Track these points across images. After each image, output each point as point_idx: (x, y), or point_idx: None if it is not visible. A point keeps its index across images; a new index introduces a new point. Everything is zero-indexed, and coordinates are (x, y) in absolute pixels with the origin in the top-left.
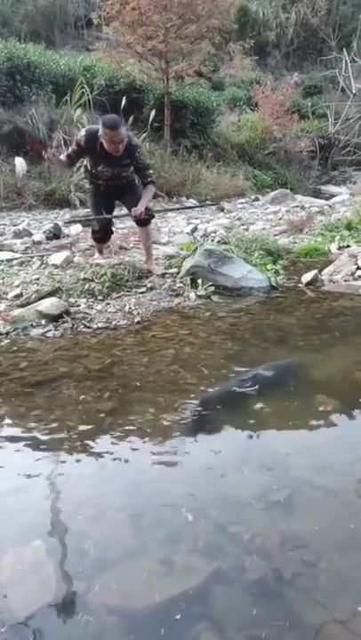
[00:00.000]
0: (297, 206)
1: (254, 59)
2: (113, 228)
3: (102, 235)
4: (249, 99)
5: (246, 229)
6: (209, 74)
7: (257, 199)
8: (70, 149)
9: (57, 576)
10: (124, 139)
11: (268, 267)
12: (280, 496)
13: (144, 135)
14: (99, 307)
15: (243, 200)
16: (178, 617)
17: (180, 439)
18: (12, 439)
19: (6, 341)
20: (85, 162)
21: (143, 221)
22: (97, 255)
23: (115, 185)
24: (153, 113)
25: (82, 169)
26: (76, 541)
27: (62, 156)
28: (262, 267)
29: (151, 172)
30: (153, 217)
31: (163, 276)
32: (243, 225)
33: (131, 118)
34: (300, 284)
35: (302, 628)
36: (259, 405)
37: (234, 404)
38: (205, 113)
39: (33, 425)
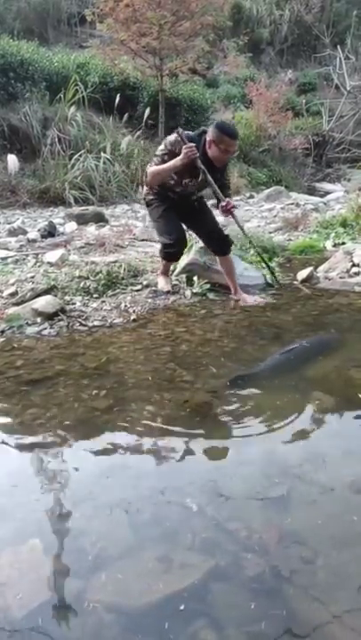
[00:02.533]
0: (292, 204)
1: (248, 56)
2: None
3: (178, 249)
4: (243, 96)
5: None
6: (203, 71)
7: (252, 197)
8: (159, 158)
9: (54, 574)
10: None
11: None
12: (278, 492)
13: (138, 133)
14: (94, 305)
15: (237, 198)
16: (176, 614)
17: (176, 436)
18: (8, 437)
19: (1, 340)
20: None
21: (225, 248)
22: (162, 280)
23: (187, 204)
24: (147, 110)
25: (76, 166)
26: (73, 540)
27: (153, 169)
28: (258, 264)
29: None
30: (231, 243)
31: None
32: None
33: (125, 116)
34: (295, 282)
35: (300, 625)
36: (252, 402)
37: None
38: (200, 110)
39: (29, 423)
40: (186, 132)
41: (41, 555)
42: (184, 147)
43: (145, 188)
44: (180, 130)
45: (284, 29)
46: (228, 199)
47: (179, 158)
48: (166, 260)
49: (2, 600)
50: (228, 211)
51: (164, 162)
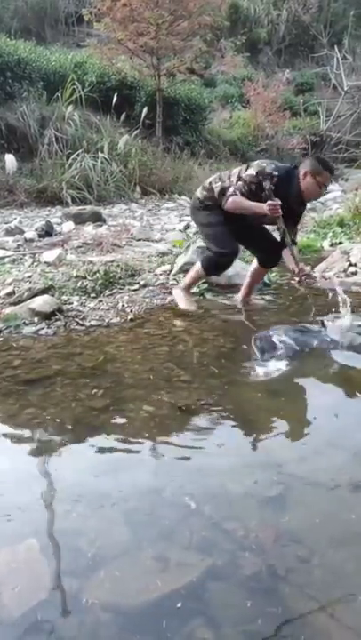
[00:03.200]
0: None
1: (246, 56)
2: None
3: (231, 258)
4: (241, 96)
5: None
6: (201, 71)
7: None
8: (246, 186)
9: (51, 574)
10: None
11: None
12: (274, 491)
13: (136, 132)
14: (92, 304)
15: None
16: (173, 613)
17: (174, 436)
18: (5, 437)
19: None
20: (234, 191)
21: (274, 264)
22: (185, 298)
23: (248, 224)
24: (145, 110)
25: (74, 165)
26: (70, 539)
27: (238, 201)
28: None
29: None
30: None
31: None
32: None
33: (123, 115)
34: (293, 281)
35: (297, 623)
36: (250, 398)
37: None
38: (197, 110)
39: (26, 423)
40: (279, 165)
41: (38, 554)
42: (268, 203)
43: (205, 192)
44: (273, 167)
45: (282, 29)
46: (302, 265)
47: (264, 208)
48: (211, 271)
49: None
50: (300, 280)
51: (250, 191)
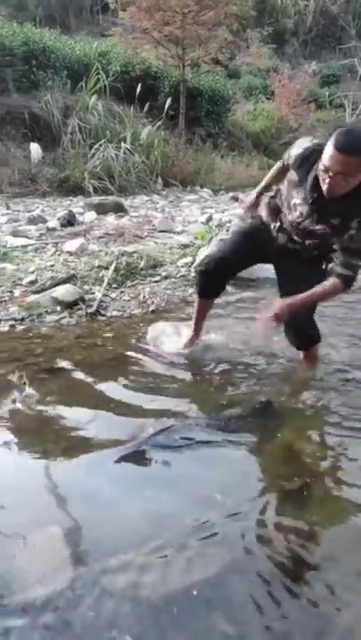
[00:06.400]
0: None
1: (272, 47)
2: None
3: (216, 273)
4: (265, 87)
5: None
6: (225, 61)
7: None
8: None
9: (72, 562)
10: (357, 174)
11: None
12: (296, 486)
13: (159, 123)
14: (113, 295)
15: None
16: (193, 605)
17: (199, 427)
18: (27, 424)
19: (21, 327)
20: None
21: (304, 343)
22: (186, 336)
23: (286, 247)
24: (169, 101)
25: (96, 155)
26: (91, 528)
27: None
28: None
29: (357, 267)
30: (316, 340)
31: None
32: None
33: (146, 106)
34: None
35: (319, 621)
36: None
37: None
38: (221, 101)
39: (47, 411)
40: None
41: (59, 542)
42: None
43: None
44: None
45: (309, 20)
46: (285, 301)
47: None
48: (198, 296)
49: (21, 584)
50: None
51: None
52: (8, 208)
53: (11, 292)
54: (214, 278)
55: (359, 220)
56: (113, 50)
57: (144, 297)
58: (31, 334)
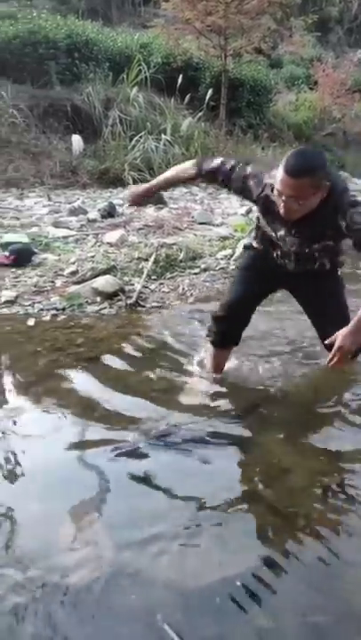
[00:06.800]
0: (357, 190)
1: (316, 35)
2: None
3: (224, 327)
4: (308, 77)
5: None
6: (268, 51)
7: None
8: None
9: (113, 549)
10: (311, 196)
11: None
12: (334, 481)
13: (200, 114)
14: (152, 286)
15: None
16: (232, 597)
17: (241, 420)
18: (66, 412)
19: (63, 317)
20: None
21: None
22: (205, 381)
23: (297, 270)
24: (210, 92)
25: (137, 147)
26: (131, 516)
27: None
28: None
29: None
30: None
31: None
32: None
33: (187, 97)
34: (358, 270)
35: (358, 618)
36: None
37: None
38: (262, 92)
39: (87, 400)
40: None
41: (100, 529)
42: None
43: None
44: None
45: (355, 7)
46: (340, 334)
47: None
48: (213, 346)
49: (63, 571)
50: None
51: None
52: (49, 199)
53: (52, 282)
54: (234, 323)
55: (341, 216)
56: (154, 41)
57: (183, 289)
58: (72, 324)
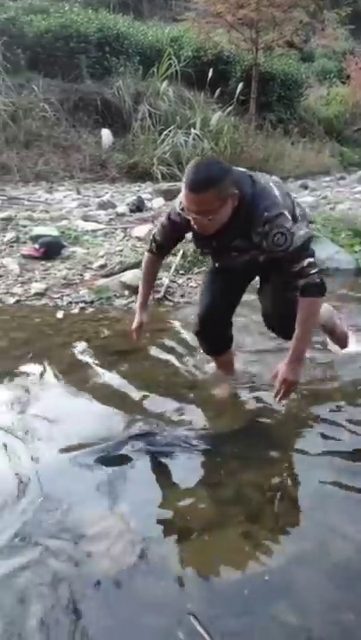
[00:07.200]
0: None
1: (349, 28)
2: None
3: (205, 332)
4: (340, 71)
5: (332, 209)
6: (300, 44)
7: (343, 178)
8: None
9: (141, 542)
10: (219, 209)
11: (356, 248)
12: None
13: (229, 109)
14: (180, 281)
15: (328, 178)
16: (258, 593)
17: (268, 414)
18: (93, 405)
19: (91, 310)
20: None
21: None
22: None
23: (245, 268)
24: (240, 86)
25: (166, 141)
26: (159, 510)
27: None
28: (349, 247)
29: (309, 267)
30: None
31: None
32: (329, 204)
33: (217, 91)
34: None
35: None
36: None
37: None
38: (293, 86)
39: (114, 393)
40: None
41: (129, 523)
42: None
43: None
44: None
45: None
46: (280, 368)
47: None
48: (203, 349)
49: (92, 564)
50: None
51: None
52: (78, 193)
53: (81, 275)
54: (213, 332)
55: (257, 234)
56: (185, 35)
57: None
58: (100, 317)
